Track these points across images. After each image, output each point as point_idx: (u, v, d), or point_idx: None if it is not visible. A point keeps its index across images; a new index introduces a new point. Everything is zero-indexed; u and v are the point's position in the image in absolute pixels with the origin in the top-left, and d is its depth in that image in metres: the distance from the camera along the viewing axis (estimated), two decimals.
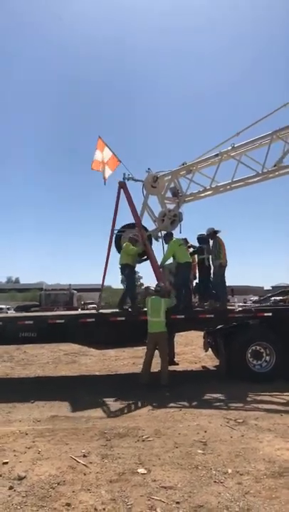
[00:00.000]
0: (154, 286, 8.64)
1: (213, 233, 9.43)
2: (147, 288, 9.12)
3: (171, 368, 9.49)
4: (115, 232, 9.58)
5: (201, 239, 10.18)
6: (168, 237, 9.34)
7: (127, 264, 9.15)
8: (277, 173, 9.10)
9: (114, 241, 10.06)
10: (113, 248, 9.91)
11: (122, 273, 9.41)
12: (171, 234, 9.47)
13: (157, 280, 9.00)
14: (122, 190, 9.46)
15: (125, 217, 9.97)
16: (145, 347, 8.04)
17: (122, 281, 9.57)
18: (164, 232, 9.65)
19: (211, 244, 9.64)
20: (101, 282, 9.89)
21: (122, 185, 9.45)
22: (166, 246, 9.42)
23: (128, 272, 9.19)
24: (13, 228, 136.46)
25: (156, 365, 8.04)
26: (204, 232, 10.11)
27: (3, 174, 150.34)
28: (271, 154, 8.97)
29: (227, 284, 9.62)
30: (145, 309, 8.18)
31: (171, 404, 6.52)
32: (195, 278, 10.59)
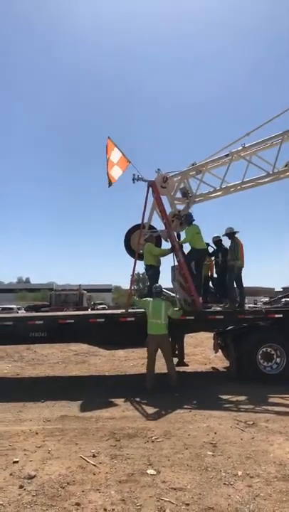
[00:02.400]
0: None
1: (231, 234, 9.36)
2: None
3: (181, 369, 9.49)
4: (147, 233, 9.46)
5: (218, 241, 10.18)
6: (188, 219, 9.26)
7: (152, 265, 9.13)
8: (288, 173, 9.02)
9: (124, 242, 10.08)
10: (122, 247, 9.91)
11: (146, 273, 9.39)
12: (191, 217, 9.33)
13: (185, 278, 8.89)
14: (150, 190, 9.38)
15: (137, 217, 9.88)
16: None
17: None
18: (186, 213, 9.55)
19: (229, 244, 9.58)
20: (129, 284, 9.87)
21: (152, 185, 9.36)
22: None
23: (152, 272, 9.16)
24: (24, 228, 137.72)
25: (162, 367, 7.99)
26: (219, 235, 10.11)
27: (15, 174, 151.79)
28: (282, 154, 8.90)
29: None
30: (140, 310, 8.09)
31: (181, 406, 6.50)
32: (211, 278, 10.59)
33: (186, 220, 9.31)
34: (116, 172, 9.28)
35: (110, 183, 9.17)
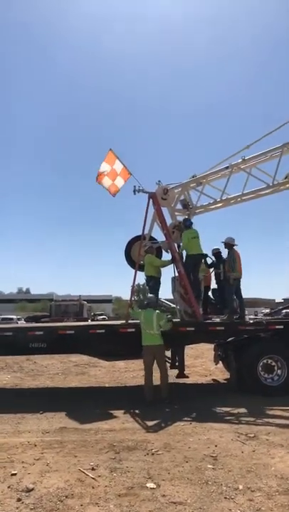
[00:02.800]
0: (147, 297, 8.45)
1: (229, 245, 9.37)
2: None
3: (181, 380, 9.43)
4: (147, 244, 9.48)
5: (217, 254, 10.20)
6: (184, 223, 9.29)
7: (152, 276, 9.14)
8: (288, 185, 9.08)
9: (124, 253, 10.11)
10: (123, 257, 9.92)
11: (147, 284, 9.39)
12: (189, 222, 9.34)
13: (185, 289, 8.88)
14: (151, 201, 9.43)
15: (136, 228, 9.93)
16: None
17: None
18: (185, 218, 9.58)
19: (226, 255, 9.59)
20: (129, 296, 9.79)
21: (153, 197, 9.42)
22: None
23: (153, 283, 9.16)
24: (24, 239, 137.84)
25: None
26: (219, 247, 10.13)
27: (14, 184, 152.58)
28: (282, 166, 8.97)
29: None
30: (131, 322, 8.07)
31: (181, 418, 6.44)
32: (209, 289, 10.57)
33: (182, 224, 9.34)
34: (119, 183, 9.37)
35: (115, 193, 9.31)
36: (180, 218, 9.97)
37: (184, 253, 9.34)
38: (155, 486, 3.87)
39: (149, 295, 8.26)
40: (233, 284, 9.17)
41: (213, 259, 10.31)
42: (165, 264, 9.25)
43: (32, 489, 3.83)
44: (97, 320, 34.54)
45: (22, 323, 27.58)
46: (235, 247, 9.36)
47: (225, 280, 9.64)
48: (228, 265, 9.26)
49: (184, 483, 3.93)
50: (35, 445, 5.22)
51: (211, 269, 10.23)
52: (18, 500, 3.61)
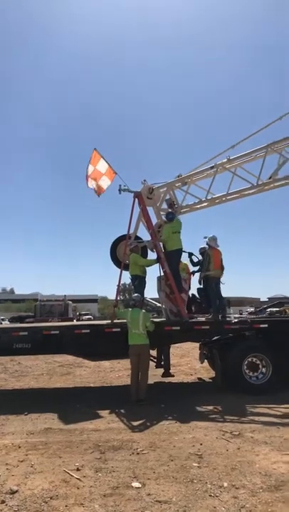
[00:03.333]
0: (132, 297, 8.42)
1: (208, 245, 9.40)
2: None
3: (167, 379, 9.44)
4: (132, 243, 9.43)
5: (204, 253, 10.23)
6: (168, 216, 9.27)
7: (137, 275, 9.12)
8: (272, 185, 9.16)
9: (110, 252, 10.09)
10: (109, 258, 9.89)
11: (132, 283, 9.36)
12: (171, 215, 9.27)
13: (171, 288, 8.88)
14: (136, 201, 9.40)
15: (123, 227, 9.91)
16: None
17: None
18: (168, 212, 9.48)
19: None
20: (115, 296, 9.74)
21: (138, 196, 9.37)
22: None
23: (138, 283, 9.14)
24: (8, 238, 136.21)
25: (151, 378, 7.97)
26: (205, 246, 10.18)
27: None
28: (266, 167, 9.04)
29: (223, 295, 9.58)
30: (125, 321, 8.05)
31: (167, 417, 6.45)
32: (189, 289, 10.58)
33: (165, 217, 9.36)
34: (104, 182, 9.34)
35: (99, 194, 9.28)
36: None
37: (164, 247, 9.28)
38: (140, 486, 3.87)
39: (135, 295, 8.25)
40: (212, 283, 9.22)
41: (200, 257, 10.34)
42: (150, 263, 9.25)
43: (16, 491, 3.79)
44: (83, 320, 34.38)
45: (6, 324, 27.29)
46: (216, 247, 9.38)
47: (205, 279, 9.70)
48: (203, 264, 9.31)
49: (169, 482, 3.94)
50: (20, 447, 5.17)
51: (196, 268, 10.24)
52: (2, 502, 3.57)
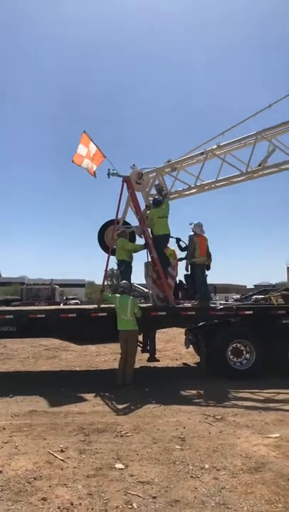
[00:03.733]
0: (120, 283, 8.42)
1: (193, 232, 9.41)
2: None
3: (152, 364, 9.54)
4: (120, 228, 9.38)
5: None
6: (154, 201, 9.25)
7: (123, 260, 9.08)
8: (261, 172, 9.18)
9: (97, 237, 10.04)
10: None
11: (119, 268, 9.33)
12: (158, 200, 9.24)
13: (158, 274, 8.91)
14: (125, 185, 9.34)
15: (110, 211, 9.84)
16: None
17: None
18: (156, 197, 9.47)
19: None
20: (102, 281, 9.61)
21: (127, 181, 9.30)
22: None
23: (124, 268, 9.12)
24: None
25: (137, 362, 8.03)
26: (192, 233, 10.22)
27: None
28: (256, 154, 9.04)
29: (210, 282, 9.64)
30: (112, 306, 8.07)
31: (151, 401, 6.53)
32: (176, 275, 10.62)
33: (152, 202, 9.35)
34: (87, 164, 9.26)
35: (95, 173, 9.29)
36: None
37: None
38: (123, 467, 3.93)
39: (123, 281, 8.23)
40: (197, 270, 9.27)
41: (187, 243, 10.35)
42: (137, 248, 9.24)
43: (0, 472, 3.81)
44: (70, 304, 34.35)
45: None
46: (202, 234, 9.39)
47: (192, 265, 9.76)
48: (188, 251, 9.34)
49: (151, 464, 4.01)
50: (4, 428, 5.19)
51: (184, 253, 10.25)
52: None
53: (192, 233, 9.54)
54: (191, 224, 9.50)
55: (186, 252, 10.20)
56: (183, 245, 10.26)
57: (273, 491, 3.41)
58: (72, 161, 9.10)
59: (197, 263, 9.25)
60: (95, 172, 9.34)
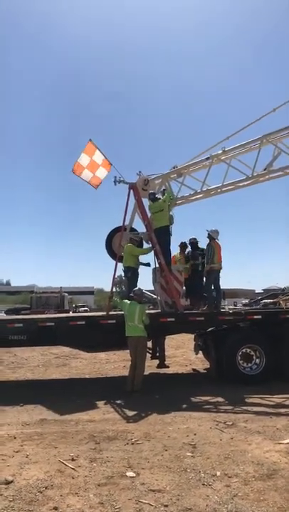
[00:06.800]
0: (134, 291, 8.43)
1: (211, 237, 9.39)
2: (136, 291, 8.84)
3: (162, 370, 9.51)
4: (132, 237, 9.43)
5: (193, 243, 10.27)
6: (149, 196, 9.38)
7: (130, 267, 9.09)
8: (267, 176, 9.17)
9: (105, 244, 10.08)
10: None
11: (125, 275, 9.37)
12: (152, 195, 9.36)
13: (166, 281, 8.91)
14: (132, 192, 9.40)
15: (117, 219, 9.90)
16: None
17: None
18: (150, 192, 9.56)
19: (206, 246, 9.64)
20: (110, 288, 9.62)
21: (133, 187, 9.36)
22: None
23: (131, 274, 9.13)
24: (4, 230, 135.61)
25: (147, 369, 8.02)
26: (195, 237, 10.23)
27: None
28: (261, 158, 9.04)
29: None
30: (121, 312, 8.08)
31: (161, 408, 6.50)
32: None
33: (148, 198, 9.41)
34: (101, 173, 9.32)
35: (97, 185, 9.29)
36: None
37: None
38: (134, 475, 3.91)
39: (136, 288, 8.23)
40: (213, 275, 9.25)
41: (189, 248, 10.40)
42: (145, 251, 9.29)
43: (11, 481, 3.82)
44: (79, 312, 34.42)
45: (2, 316, 27.27)
46: (216, 240, 9.39)
47: (195, 271, 9.82)
48: (207, 257, 9.32)
49: (163, 471, 3.99)
50: (15, 437, 5.20)
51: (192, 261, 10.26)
52: None
53: (209, 238, 9.52)
54: (208, 230, 9.47)
55: (190, 259, 10.21)
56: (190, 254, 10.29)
57: (286, 498, 3.37)
58: (72, 171, 9.12)
59: (215, 269, 9.24)
60: (97, 185, 9.38)
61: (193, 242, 10.38)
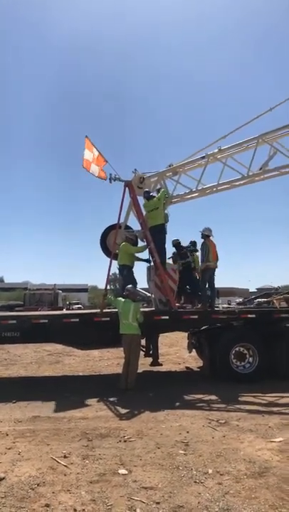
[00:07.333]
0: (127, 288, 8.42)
1: (205, 236, 9.42)
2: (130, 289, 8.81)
3: (155, 368, 9.52)
4: (127, 235, 9.43)
5: (177, 245, 10.45)
6: (144, 195, 9.42)
7: (125, 265, 9.09)
8: (262, 176, 9.18)
9: (100, 242, 10.06)
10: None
11: (121, 274, 9.35)
12: (147, 193, 9.42)
13: (161, 279, 8.91)
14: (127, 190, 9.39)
15: (112, 216, 9.87)
16: None
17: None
18: (146, 191, 9.58)
19: (201, 245, 9.69)
20: (104, 286, 9.56)
21: (129, 185, 9.36)
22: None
23: (126, 272, 9.12)
24: None
25: (140, 367, 8.03)
26: (178, 239, 10.54)
27: None
28: (257, 157, 9.06)
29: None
30: (114, 310, 8.07)
31: (154, 405, 6.51)
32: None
33: (143, 197, 9.43)
34: (96, 170, 9.29)
35: (105, 178, 9.29)
36: None
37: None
38: (127, 472, 3.92)
39: (129, 286, 8.21)
40: (208, 274, 9.28)
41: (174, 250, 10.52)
42: (140, 250, 9.29)
43: (3, 478, 3.81)
44: (73, 309, 34.33)
45: None
46: (211, 238, 9.44)
47: (184, 270, 9.86)
48: (202, 256, 9.35)
49: (155, 469, 3.99)
50: (7, 434, 5.18)
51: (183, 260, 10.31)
52: None
53: (203, 237, 9.54)
54: (200, 231, 9.50)
55: (183, 259, 10.26)
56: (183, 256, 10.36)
57: (277, 495, 3.39)
58: (83, 167, 9.15)
59: (210, 267, 9.26)
60: (105, 177, 9.35)
61: (177, 244, 10.49)
